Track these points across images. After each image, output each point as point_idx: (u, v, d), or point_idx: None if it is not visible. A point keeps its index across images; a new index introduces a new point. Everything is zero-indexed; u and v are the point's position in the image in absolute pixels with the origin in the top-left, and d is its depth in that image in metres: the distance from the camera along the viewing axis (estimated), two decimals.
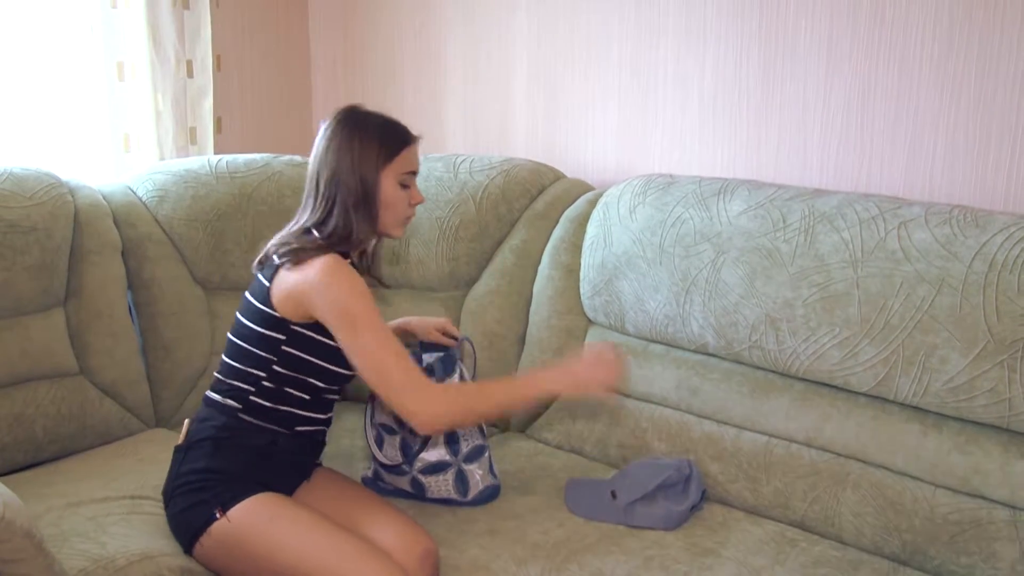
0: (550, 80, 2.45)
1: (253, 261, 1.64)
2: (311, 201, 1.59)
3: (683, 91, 2.22)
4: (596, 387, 1.59)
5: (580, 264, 2.07)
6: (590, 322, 2.09)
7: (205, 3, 2.45)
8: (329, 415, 1.70)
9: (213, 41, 2.49)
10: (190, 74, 2.47)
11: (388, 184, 1.58)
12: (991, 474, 1.54)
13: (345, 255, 1.58)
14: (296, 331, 1.56)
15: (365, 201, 1.57)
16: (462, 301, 2.22)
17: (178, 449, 1.62)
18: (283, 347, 1.57)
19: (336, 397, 1.69)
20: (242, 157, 2.30)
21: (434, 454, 1.77)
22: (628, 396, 1.98)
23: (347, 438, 2.05)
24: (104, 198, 2.12)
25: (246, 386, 1.60)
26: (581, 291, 2.07)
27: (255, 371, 1.59)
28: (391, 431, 1.78)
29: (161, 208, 2.16)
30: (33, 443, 1.89)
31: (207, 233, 2.16)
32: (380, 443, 1.79)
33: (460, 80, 2.62)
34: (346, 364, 1.60)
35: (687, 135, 2.24)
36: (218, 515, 1.52)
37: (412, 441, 1.76)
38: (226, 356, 1.64)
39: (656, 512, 1.69)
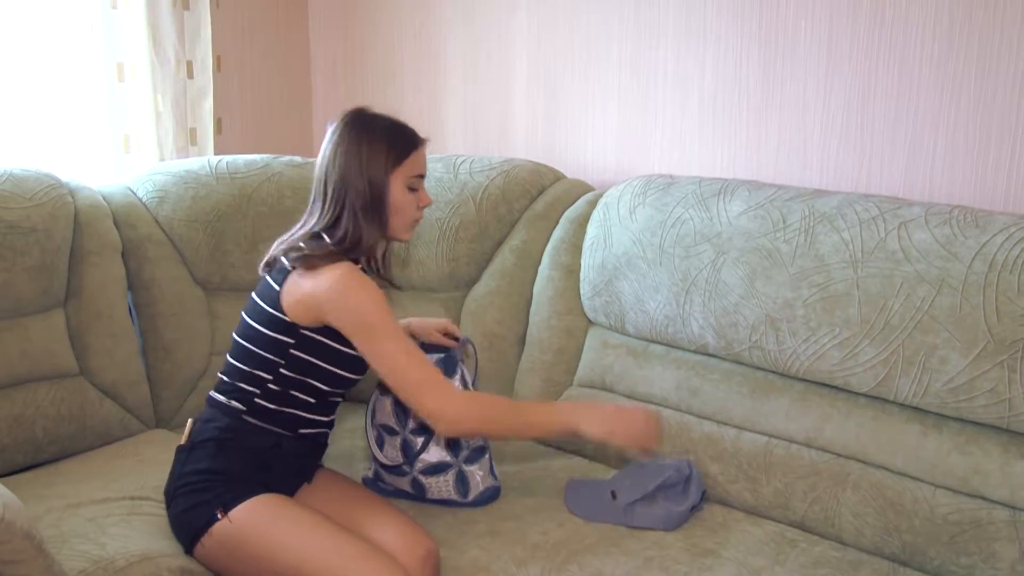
0: (550, 80, 2.45)
1: (255, 262, 1.65)
2: (319, 205, 1.59)
3: (683, 91, 2.22)
4: (630, 442, 1.58)
5: (580, 265, 2.07)
6: (590, 323, 2.09)
7: (205, 3, 2.45)
8: (332, 417, 1.70)
9: (213, 42, 2.49)
10: (190, 75, 2.47)
11: (397, 188, 1.58)
12: (991, 474, 1.54)
13: (355, 261, 1.59)
14: (306, 335, 1.56)
15: (374, 205, 1.56)
16: (462, 302, 2.22)
17: (181, 449, 1.63)
18: (291, 350, 1.57)
19: (340, 400, 1.69)
20: (242, 158, 2.30)
21: (435, 455, 1.77)
22: (628, 397, 1.98)
23: (348, 439, 2.05)
24: (104, 199, 2.12)
25: (251, 388, 1.60)
26: (581, 292, 2.07)
27: (261, 373, 1.59)
28: (392, 432, 1.78)
29: (161, 209, 2.16)
30: (33, 444, 1.89)
31: (207, 234, 2.16)
32: (381, 444, 1.79)
33: (460, 80, 2.62)
34: (353, 368, 1.61)
35: (687, 135, 2.24)
36: (220, 516, 1.52)
37: (413, 442, 1.76)
38: (231, 357, 1.64)
39: (656, 513, 1.69)
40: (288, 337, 1.56)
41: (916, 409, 1.63)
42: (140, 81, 2.38)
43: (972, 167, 1.86)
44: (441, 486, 1.77)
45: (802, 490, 1.71)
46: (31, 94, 2.29)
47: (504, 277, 2.17)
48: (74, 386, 1.97)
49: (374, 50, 2.78)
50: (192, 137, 2.50)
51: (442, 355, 1.80)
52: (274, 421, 1.61)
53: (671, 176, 2.02)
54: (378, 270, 1.70)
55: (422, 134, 1.63)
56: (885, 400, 1.66)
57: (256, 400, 1.60)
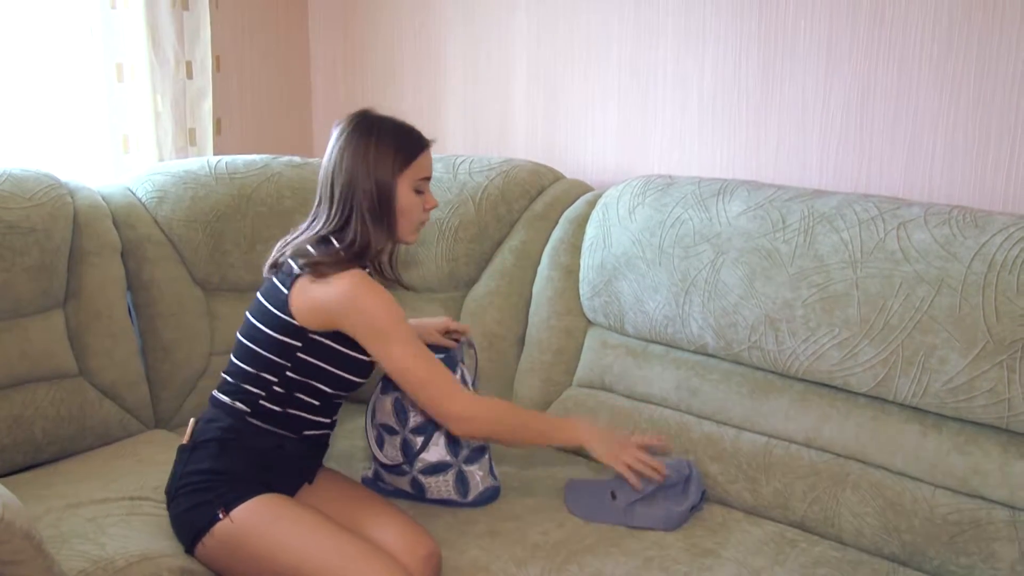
0: (550, 80, 2.45)
1: (254, 262, 1.65)
2: (326, 207, 1.59)
3: (682, 91, 2.22)
4: (619, 465, 1.67)
5: (579, 265, 2.07)
6: (589, 323, 2.09)
7: (204, 4, 2.45)
8: (334, 418, 1.70)
9: (212, 42, 2.49)
10: (189, 75, 2.47)
11: (404, 190, 1.58)
12: (990, 474, 1.54)
13: (363, 266, 1.59)
14: (314, 339, 1.56)
15: (382, 207, 1.56)
16: (461, 302, 2.22)
17: (183, 449, 1.62)
18: (298, 354, 1.57)
19: (343, 401, 1.69)
20: (241, 158, 2.30)
21: (435, 455, 1.77)
22: (628, 397, 1.98)
23: (347, 438, 2.05)
24: (103, 199, 2.12)
25: (257, 390, 1.60)
26: (580, 292, 2.07)
27: (267, 375, 1.59)
28: (392, 431, 1.78)
29: (160, 209, 2.16)
30: (32, 444, 1.89)
31: (206, 234, 2.16)
32: (381, 443, 1.79)
33: (460, 80, 2.62)
34: (359, 372, 1.61)
35: (686, 135, 2.24)
36: (221, 515, 1.52)
37: (413, 441, 1.76)
38: (235, 358, 1.63)
39: (656, 513, 1.69)
40: (296, 340, 1.56)
41: (915, 409, 1.63)
42: (139, 81, 2.38)
43: (971, 167, 1.86)
44: (441, 486, 1.77)
45: (802, 490, 1.72)
46: (31, 94, 2.29)
47: (503, 277, 2.17)
48: (73, 386, 1.97)
49: (374, 50, 2.78)
50: (191, 137, 2.50)
51: (442, 355, 1.79)
52: (278, 423, 1.61)
53: (670, 176, 2.02)
54: (385, 272, 1.70)
55: (426, 136, 1.63)
56: (884, 400, 1.66)
57: (261, 402, 1.60)
